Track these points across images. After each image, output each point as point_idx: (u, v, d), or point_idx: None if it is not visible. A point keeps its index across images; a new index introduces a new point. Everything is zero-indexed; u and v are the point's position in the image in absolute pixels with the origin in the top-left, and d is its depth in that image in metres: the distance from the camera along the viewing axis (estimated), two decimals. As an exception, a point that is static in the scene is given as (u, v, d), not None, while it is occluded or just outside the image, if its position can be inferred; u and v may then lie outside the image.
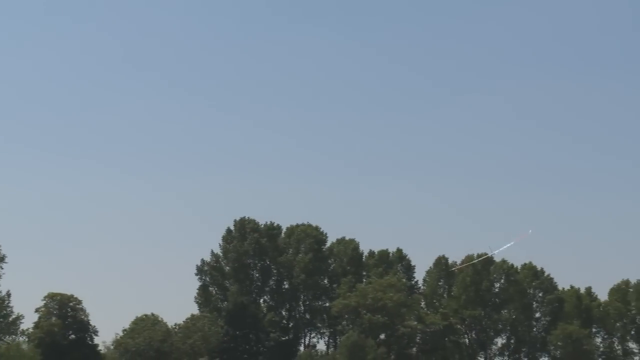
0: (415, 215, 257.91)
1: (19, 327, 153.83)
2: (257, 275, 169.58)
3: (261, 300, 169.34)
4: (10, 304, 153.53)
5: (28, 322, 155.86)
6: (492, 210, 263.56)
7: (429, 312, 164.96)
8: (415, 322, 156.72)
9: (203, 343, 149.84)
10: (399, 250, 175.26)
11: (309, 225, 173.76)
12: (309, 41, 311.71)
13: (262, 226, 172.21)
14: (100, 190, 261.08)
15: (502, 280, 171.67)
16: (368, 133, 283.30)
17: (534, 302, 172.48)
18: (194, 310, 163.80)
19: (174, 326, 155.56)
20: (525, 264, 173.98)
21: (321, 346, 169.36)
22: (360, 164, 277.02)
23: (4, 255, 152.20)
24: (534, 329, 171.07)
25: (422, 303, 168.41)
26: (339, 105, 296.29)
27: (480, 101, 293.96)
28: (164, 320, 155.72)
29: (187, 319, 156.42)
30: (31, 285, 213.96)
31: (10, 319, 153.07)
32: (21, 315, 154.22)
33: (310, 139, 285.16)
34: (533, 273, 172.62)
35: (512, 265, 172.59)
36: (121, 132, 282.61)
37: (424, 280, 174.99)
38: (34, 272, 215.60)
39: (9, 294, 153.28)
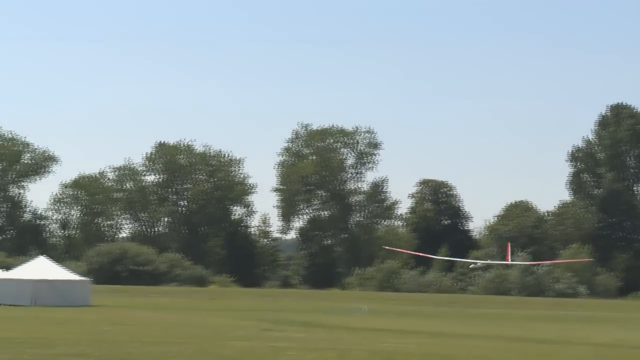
0: None
1: (394, 212, 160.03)
2: (632, 162, 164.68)
3: (636, 188, 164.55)
4: (387, 190, 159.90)
5: (403, 208, 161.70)
6: None
7: None
8: None
9: (575, 230, 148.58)
10: None
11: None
12: None
13: (639, 112, 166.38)
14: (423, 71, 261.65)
15: None
16: None
17: None
18: (566, 197, 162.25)
19: (545, 213, 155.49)
20: None
21: None
22: None
23: (379, 142, 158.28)
24: None
25: None
26: None
27: None
28: (536, 207, 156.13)
29: (559, 206, 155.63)
30: (406, 172, 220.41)
31: (387, 204, 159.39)
32: (397, 201, 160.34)
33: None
34: None
35: None
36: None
37: None
38: (408, 158, 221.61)
39: (385, 180, 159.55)
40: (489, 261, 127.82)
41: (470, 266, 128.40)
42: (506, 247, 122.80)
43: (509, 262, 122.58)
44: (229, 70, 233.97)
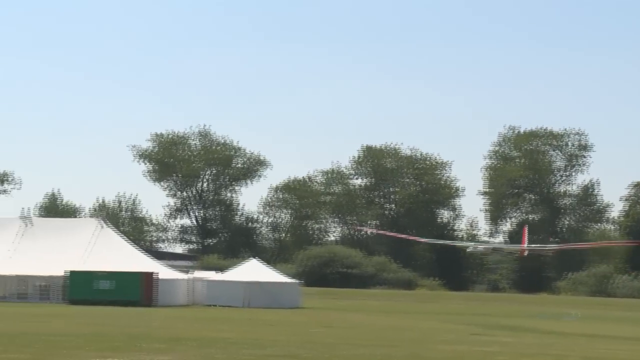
0: None
1: (606, 216, 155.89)
2: None
3: None
4: (598, 193, 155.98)
5: (616, 211, 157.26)
6: None
7: None
8: None
9: None
10: None
11: None
12: None
13: None
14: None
15: None
16: None
17: None
18: None
19: None
20: None
21: None
22: None
23: (590, 144, 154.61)
24: None
25: None
26: None
27: None
28: None
29: None
30: (618, 174, 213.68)
31: (598, 208, 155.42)
32: (610, 204, 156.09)
33: None
34: None
35: None
36: None
37: None
38: (621, 160, 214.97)
39: (596, 183, 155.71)
40: (492, 245, 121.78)
41: (468, 249, 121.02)
42: (523, 230, 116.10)
43: (525, 247, 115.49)
44: (435, 72, 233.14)
